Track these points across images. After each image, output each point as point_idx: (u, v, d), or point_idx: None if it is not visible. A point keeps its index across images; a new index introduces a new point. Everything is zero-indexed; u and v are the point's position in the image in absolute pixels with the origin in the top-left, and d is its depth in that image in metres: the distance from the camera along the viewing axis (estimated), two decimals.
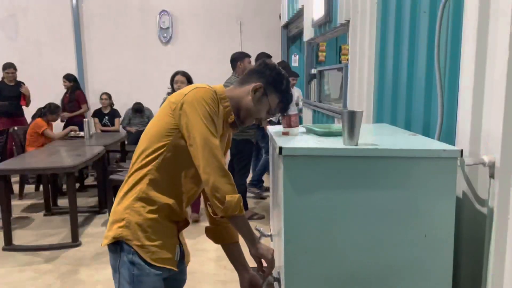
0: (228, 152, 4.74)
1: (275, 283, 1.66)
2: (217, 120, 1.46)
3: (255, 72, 1.58)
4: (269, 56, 5.38)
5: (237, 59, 4.41)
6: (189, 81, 4.30)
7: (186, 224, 1.61)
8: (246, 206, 4.56)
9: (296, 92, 5.69)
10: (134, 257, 1.44)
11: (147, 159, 1.46)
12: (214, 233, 1.71)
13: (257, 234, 1.87)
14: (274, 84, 1.55)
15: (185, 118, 1.42)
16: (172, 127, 1.45)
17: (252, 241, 1.50)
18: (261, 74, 1.56)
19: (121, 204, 1.48)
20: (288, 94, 1.61)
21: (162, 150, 1.45)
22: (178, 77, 4.33)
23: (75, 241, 3.84)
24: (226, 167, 1.43)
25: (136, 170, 1.48)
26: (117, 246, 1.46)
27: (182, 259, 1.62)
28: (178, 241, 1.57)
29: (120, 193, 1.50)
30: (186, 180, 1.51)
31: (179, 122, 1.43)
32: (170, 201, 1.48)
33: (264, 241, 1.96)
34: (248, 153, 4.51)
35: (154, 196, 1.46)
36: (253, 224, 2.03)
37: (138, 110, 6.86)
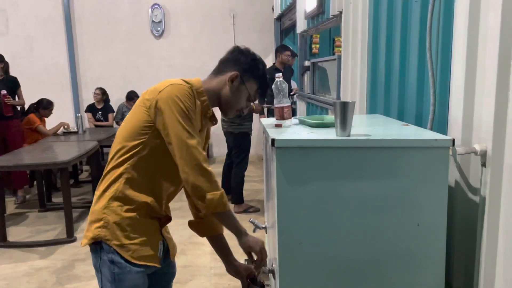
0: (225, 145, 4.76)
1: (270, 274, 1.67)
2: (194, 116, 1.43)
3: (230, 60, 1.54)
4: (287, 48, 5.40)
5: None
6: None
7: (168, 219, 1.58)
8: (242, 199, 4.57)
9: (293, 85, 5.70)
10: (114, 255, 1.42)
11: (123, 157, 1.43)
12: (198, 227, 1.69)
13: (251, 226, 1.87)
14: (251, 70, 1.51)
15: (161, 117, 1.38)
16: (147, 124, 1.41)
17: (239, 234, 1.49)
18: (236, 61, 1.52)
19: (98, 203, 1.46)
20: (266, 79, 1.57)
21: (138, 148, 1.42)
22: None
23: (70, 237, 3.84)
24: (207, 164, 1.41)
25: (112, 169, 1.45)
26: (97, 245, 1.45)
27: (167, 253, 1.59)
28: (161, 237, 1.54)
29: (98, 192, 1.48)
30: (164, 178, 1.49)
31: (154, 119, 1.40)
32: (148, 199, 1.46)
33: (259, 233, 1.97)
34: (246, 145, 4.54)
35: (131, 195, 1.43)
36: (248, 216, 2.03)
37: (129, 97, 6.68)
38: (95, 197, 1.49)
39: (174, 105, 1.37)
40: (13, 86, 4.99)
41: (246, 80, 1.51)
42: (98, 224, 1.44)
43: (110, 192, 1.44)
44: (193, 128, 1.41)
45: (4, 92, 4.79)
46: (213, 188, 1.40)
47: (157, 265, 1.50)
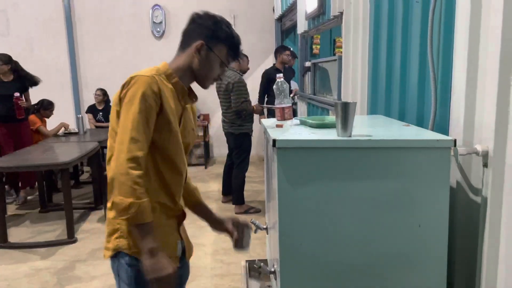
0: (226, 146, 4.76)
1: (271, 275, 1.67)
2: (165, 103, 1.36)
3: (191, 30, 1.46)
4: (287, 48, 5.43)
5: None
6: None
7: (184, 215, 1.56)
8: (242, 200, 4.57)
9: (293, 86, 5.71)
10: (131, 259, 1.41)
11: None
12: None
13: (252, 227, 1.87)
14: (215, 35, 1.43)
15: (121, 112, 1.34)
16: None
17: (146, 252, 1.31)
18: (198, 30, 1.44)
19: (111, 212, 1.42)
20: (234, 38, 1.48)
21: None
22: None
23: (71, 238, 3.84)
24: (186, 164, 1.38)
25: None
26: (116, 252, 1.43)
27: (183, 254, 1.58)
28: (179, 237, 1.53)
29: (109, 200, 1.42)
30: (166, 172, 1.44)
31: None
32: (159, 198, 1.44)
33: (260, 233, 1.97)
34: (247, 146, 4.54)
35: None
36: (249, 217, 2.03)
37: None
38: (108, 204, 1.43)
39: (131, 103, 1.31)
40: (23, 87, 4.90)
41: (213, 46, 1.43)
42: (116, 235, 1.41)
43: None
44: (147, 128, 1.32)
45: (17, 94, 4.73)
46: (126, 194, 1.27)
47: (175, 266, 1.47)
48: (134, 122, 1.30)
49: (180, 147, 1.46)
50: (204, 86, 1.50)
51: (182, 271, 1.62)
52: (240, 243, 1.64)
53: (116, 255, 1.43)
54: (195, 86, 1.52)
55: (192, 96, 1.52)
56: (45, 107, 5.40)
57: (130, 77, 1.36)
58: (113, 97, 1.41)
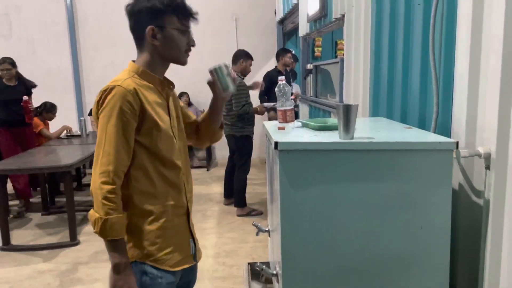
0: (228, 148, 4.76)
1: (273, 278, 1.67)
2: (147, 106, 1.35)
3: (135, 23, 1.40)
4: (288, 51, 5.44)
5: (241, 57, 4.44)
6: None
7: (188, 212, 1.53)
8: (244, 203, 4.57)
9: (295, 88, 5.72)
10: (146, 266, 1.40)
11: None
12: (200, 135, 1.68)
13: (254, 229, 1.87)
14: (155, 12, 1.37)
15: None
16: None
17: (112, 268, 1.33)
18: (140, 19, 1.38)
19: None
20: (174, 2, 1.39)
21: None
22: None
23: (73, 240, 3.84)
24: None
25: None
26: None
27: (194, 255, 1.55)
28: (190, 235, 1.52)
29: None
30: (168, 172, 1.43)
31: None
32: (168, 200, 1.43)
33: (261, 236, 1.97)
34: (248, 149, 4.54)
35: (148, 207, 1.40)
36: (251, 220, 2.03)
37: None
38: None
39: (108, 119, 1.32)
40: (27, 91, 4.86)
41: (162, 23, 1.38)
42: (129, 245, 1.40)
43: (130, 212, 1.39)
44: (127, 137, 1.33)
45: (25, 98, 4.67)
46: (98, 208, 1.30)
47: (192, 264, 1.50)
48: (110, 137, 1.31)
49: (172, 142, 1.44)
50: (182, 62, 1.46)
51: (192, 276, 1.61)
52: (221, 86, 1.52)
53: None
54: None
55: (169, 84, 1.50)
56: (48, 109, 5.42)
57: (103, 90, 1.34)
58: (92, 111, 1.40)
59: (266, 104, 4.93)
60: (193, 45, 1.47)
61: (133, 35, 1.43)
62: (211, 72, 1.51)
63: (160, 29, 1.38)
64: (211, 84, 1.53)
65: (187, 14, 1.42)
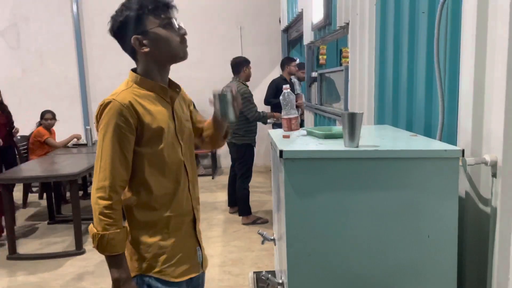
0: (229, 157, 4.75)
1: (279, 287, 1.66)
2: (146, 118, 1.35)
3: (122, 39, 1.41)
4: (293, 60, 5.46)
5: (242, 65, 4.45)
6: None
7: (194, 218, 1.52)
8: (249, 211, 4.55)
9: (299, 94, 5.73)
10: (151, 280, 1.40)
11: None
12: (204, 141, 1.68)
13: (260, 238, 1.86)
14: (131, 21, 1.34)
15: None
16: None
17: (113, 282, 1.34)
18: (123, 34, 1.37)
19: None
20: (144, 1, 1.35)
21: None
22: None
23: (79, 249, 3.85)
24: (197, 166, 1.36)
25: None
26: None
27: (201, 263, 1.55)
28: (197, 243, 1.51)
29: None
30: (169, 180, 1.41)
31: None
32: (169, 212, 1.42)
33: (267, 244, 1.96)
34: (248, 158, 4.52)
35: (149, 219, 1.39)
36: (257, 228, 2.02)
37: None
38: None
39: (104, 135, 1.33)
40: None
41: (143, 29, 1.35)
42: (135, 257, 1.41)
43: (131, 225, 1.40)
44: (126, 152, 1.33)
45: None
46: (96, 223, 1.30)
47: (198, 273, 1.50)
48: (107, 152, 1.31)
49: (175, 149, 1.43)
50: (181, 56, 1.42)
51: (199, 284, 1.59)
52: (219, 112, 1.50)
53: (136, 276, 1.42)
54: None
55: (175, 87, 1.49)
56: (41, 116, 5.44)
57: (100, 104, 1.35)
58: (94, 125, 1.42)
59: (269, 121, 4.95)
60: (185, 33, 1.40)
61: (126, 52, 1.44)
62: (214, 96, 1.49)
63: (144, 35, 1.36)
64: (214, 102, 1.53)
65: (162, 7, 1.36)
